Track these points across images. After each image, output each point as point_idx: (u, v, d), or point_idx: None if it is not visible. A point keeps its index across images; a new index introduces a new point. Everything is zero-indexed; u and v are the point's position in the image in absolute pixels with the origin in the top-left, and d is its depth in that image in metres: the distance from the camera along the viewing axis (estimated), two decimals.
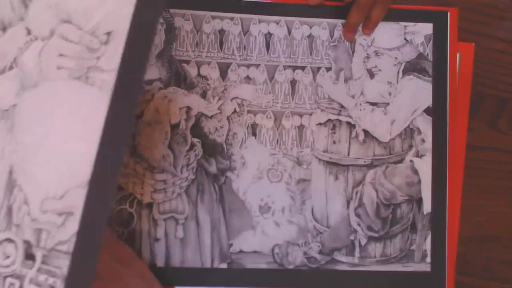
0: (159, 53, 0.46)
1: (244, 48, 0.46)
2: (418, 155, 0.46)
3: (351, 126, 0.46)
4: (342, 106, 0.46)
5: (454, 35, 0.46)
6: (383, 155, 0.45)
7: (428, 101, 0.46)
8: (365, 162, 0.45)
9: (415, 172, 0.45)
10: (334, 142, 0.45)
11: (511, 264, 0.47)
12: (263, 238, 0.45)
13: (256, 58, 0.46)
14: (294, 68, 0.46)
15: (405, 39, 0.46)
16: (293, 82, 0.46)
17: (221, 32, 0.46)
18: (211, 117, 0.46)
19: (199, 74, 0.46)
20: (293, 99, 0.46)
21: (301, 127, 0.46)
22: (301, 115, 0.46)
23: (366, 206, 0.45)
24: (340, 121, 0.46)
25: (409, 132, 0.46)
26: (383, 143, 0.46)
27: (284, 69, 0.46)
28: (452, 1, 0.48)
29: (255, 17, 0.46)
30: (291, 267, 0.45)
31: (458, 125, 0.46)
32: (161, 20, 0.45)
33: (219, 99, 0.46)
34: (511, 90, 0.48)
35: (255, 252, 0.45)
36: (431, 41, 0.47)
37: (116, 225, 0.44)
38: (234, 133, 0.46)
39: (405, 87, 0.46)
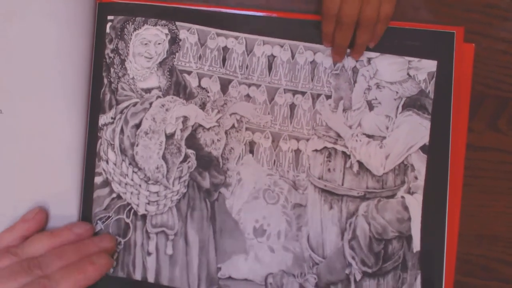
0: (161, 62, 0.45)
1: (247, 67, 0.46)
2: (410, 192, 0.46)
3: (346, 156, 0.46)
4: (339, 135, 0.46)
5: (460, 67, 0.46)
6: (375, 188, 0.45)
7: (425, 138, 0.46)
8: (358, 193, 0.45)
9: (406, 208, 0.45)
10: (329, 170, 0.44)
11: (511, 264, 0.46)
12: (256, 264, 0.43)
13: (257, 78, 0.46)
14: (295, 92, 0.46)
15: (408, 74, 0.46)
16: (292, 106, 0.46)
17: (225, 49, 0.46)
18: (208, 129, 0.45)
19: (199, 85, 0.45)
20: (291, 122, 0.46)
21: (298, 151, 0.46)
22: (298, 140, 0.46)
23: (360, 239, 0.45)
24: (336, 150, 0.46)
25: (403, 168, 0.46)
26: (376, 176, 0.46)
27: (285, 93, 0.46)
28: (453, 1, 0.48)
29: (260, 38, 0.46)
30: None
31: (458, 125, 0.46)
32: (166, 31, 0.45)
33: (218, 112, 0.45)
34: None
35: (246, 280, 0.43)
36: (434, 79, 0.47)
37: (114, 234, 0.44)
38: (232, 148, 0.45)
39: (403, 122, 0.46)
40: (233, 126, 0.45)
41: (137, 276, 0.43)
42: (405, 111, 0.47)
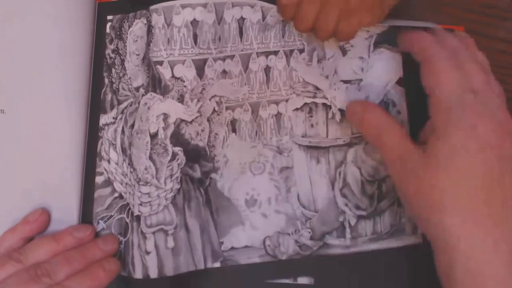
0: (143, 57, 0.45)
1: (219, 39, 0.44)
2: None
3: (327, 107, 0.46)
4: (317, 88, 0.46)
5: None
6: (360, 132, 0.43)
7: (399, 72, 0.45)
8: (344, 141, 0.45)
9: None
10: (312, 125, 0.45)
11: None
12: (253, 232, 0.45)
13: (230, 48, 0.45)
14: (267, 54, 0.46)
15: None
16: (267, 69, 0.46)
17: (194, 23, 0.44)
18: (191, 122, 0.44)
19: (173, 76, 0.44)
20: (268, 87, 0.46)
21: (278, 115, 0.46)
22: (277, 103, 0.46)
23: (351, 185, 0.45)
24: (316, 103, 0.45)
25: (384, 105, 0.45)
26: None
27: (258, 56, 0.46)
28: (452, 1, 0.48)
29: (228, 0, 0.44)
30: (284, 257, 0.44)
31: None
32: (145, 21, 0.44)
33: (198, 100, 0.44)
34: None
35: (246, 247, 0.44)
36: None
37: (116, 233, 0.44)
38: (216, 134, 0.45)
39: (376, 60, 0.45)
40: (214, 111, 0.45)
41: (138, 275, 0.43)
42: (377, 49, 0.45)
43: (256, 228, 0.45)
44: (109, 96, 0.46)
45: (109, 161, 0.45)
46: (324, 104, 0.45)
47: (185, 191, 0.44)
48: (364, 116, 0.40)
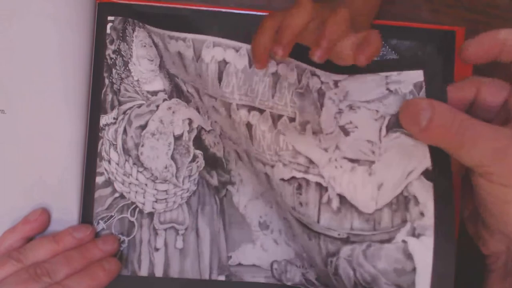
0: (160, 65, 0.43)
1: (200, 76, 0.37)
2: (415, 234, 0.33)
3: (322, 188, 0.35)
4: (311, 162, 0.35)
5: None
6: (364, 230, 0.34)
7: (426, 161, 0.32)
8: (339, 235, 0.35)
9: (409, 256, 0.33)
10: (300, 204, 0.35)
11: None
12: (262, 253, 0.44)
13: (211, 90, 0.37)
14: (250, 109, 0.36)
15: (387, 89, 0.29)
16: (248, 126, 0.36)
17: (179, 55, 0.39)
18: (209, 131, 0.44)
19: (188, 91, 0.42)
20: (252, 144, 0.37)
21: (267, 176, 0.38)
22: (264, 164, 0.37)
23: (343, 278, 0.37)
24: (307, 180, 0.35)
25: (403, 201, 0.33)
26: (366, 214, 0.34)
27: (238, 109, 0.36)
28: (453, 1, 0.46)
29: (209, 39, 0.36)
30: (289, 283, 0.43)
31: None
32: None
33: (208, 118, 0.43)
34: None
35: (253, 265, 0.44)
36: (423, 89, 0.33)
37: (117, 233, 0.46)
38: (228, 151, 0.43)
39: (391, 147, 0.32)
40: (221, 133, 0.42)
41: (143, 272, 0.44)
42: (391, 133, 0.32)
43: (266, 250, 0.44)
44: (109, 97, 0.45)
45: (109, 161, 0.45)
46: (318, 184, 0.35)
47: (201, 194, 0.44)
48: (435, 110, 0.30)
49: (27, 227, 0.42)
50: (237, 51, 0.35)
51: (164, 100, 0.44)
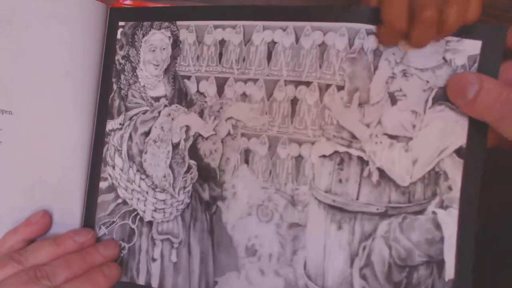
0: (166, 69, 0.43)
1: (244, 60, 0.39)
2: (443, 206, 0.36)
3: (363, 162, 0.36)
4: (353, 136, 0.37)
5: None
6: (400, 202, 0.36)
7: (461, 139, 0.35)
8: (378, 209, 0.35)
9: (438, 227, 0.35)
10: (340, 181, 0.35)
11: None
12: (247, 285, 0.39)
13: (255, 71, 0.39)
14: (297, 83, 0.38)
15: (443, 58, 0.34)
16: (294, 101, 0.38)
17: (222, 42, 0.40)
18: (207, 138, 0.42)
19: (198, 91, 0.42)
20: (292, 122, 0.38)
21: (299, 159, 0.38)
22: (300, 143, 0.38)
23: (375, 266, 0.36)
24: (350, 155, 0.37)
25: (434, 176, 0.36)
26: (402, 187, 0.36)
27: (285, 85, 0.38)
28: None
29: (260, 23, 0.39)
30: None
31: None
32: (169, 34, 0.43)
33: (215, 118, 0.41)
34: None
35: None
36: (476, 63, 0.36)
37: (118, 239, 0.44)
38: (227, 158, 0.41)
39: (434, 119, 0.36)
40: (228, 134, 0.40)
41: (141, 280, 0.43)
42: (437, 105, 0.36)
43: (251, 283, 0.39)
44: (116, 102, 0.44)
45: (113, 167, 0.44)
46: (360, 158, 0.36)
47: (193, 208, 0.42)
48: (482, 85, 0.32)
49: (29, 229, 0.42)
50: (284, 30, 0.39)
51: (165, 106, 0.43)
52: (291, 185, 0.38)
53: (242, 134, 0.40)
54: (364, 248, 0.36)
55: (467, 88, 0.34)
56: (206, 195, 0.41)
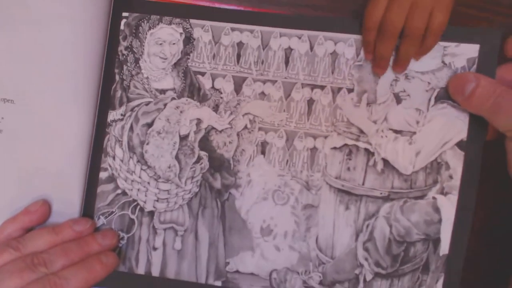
0: (176, 63, 0.45)
1: (262, 62, 0.43)
2: (443, 192, 0.42)
3: (369, 153, 0.43)
4: (361, 131, 0.42)
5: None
6: (402, 188, 0.42)
7: (462, 133, 0.41)
8: (381, 194, 0.41)
9: (437, 210, 0.42)
10: (348, 168, 0.41)
11: None
12: (262, 261, 0.43)
13: (273, 73, 0.44)
14: (313, 86, 0.43)
15: (442, 61, 0.39)
16: (310, 102, 0.43)
17: (240, 45, 0.44)
18: (221, 131, 0.44)
19: (213, 87, 0.44)
20: (308, 119, 0.43)
21: (314, 150, 0.43)
22: (315, 137, 0.43)
23: (377, 240, 0.42)
24: (357, 147, 0.43)
25: (436, 166, 0.42)
26: (404, 175, 0.42)
27: (302, 87, 0.43)
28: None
29: (277, 30, 0.43)
30: None
31: None
32: (181, 30, 0.44)
33: (231, 113, 0.44)
34: None
35: (252, 274, 0.43)
36: (475, 66, 0.40)
37: (117, 229, 0.44)
38: (243, 150, 0.44)
39: (436, 116, 0.41)
40: (245, 127, 0.44)
41: (140, 270, 0.44)
42: (439, 103, 0.41)
43: (266, 259, 0.43)
44: (118, 93, 0.45)
45: (114, 158, 0.45)
46: (366, 150, 0.42)
47: (202, 197, 0.44)
48: (479, 83, 0.37)
49: (27, 218, 0.42)
50: (299, 38, 0.43)
51: (172, 99, 0.44)
52: (306, 172, 0.43)
53: (260, 128, 0.43)
54: (367, 226, 0.42)
55: (466, 86, 0.38)
56: (217, 184, 0.44)
